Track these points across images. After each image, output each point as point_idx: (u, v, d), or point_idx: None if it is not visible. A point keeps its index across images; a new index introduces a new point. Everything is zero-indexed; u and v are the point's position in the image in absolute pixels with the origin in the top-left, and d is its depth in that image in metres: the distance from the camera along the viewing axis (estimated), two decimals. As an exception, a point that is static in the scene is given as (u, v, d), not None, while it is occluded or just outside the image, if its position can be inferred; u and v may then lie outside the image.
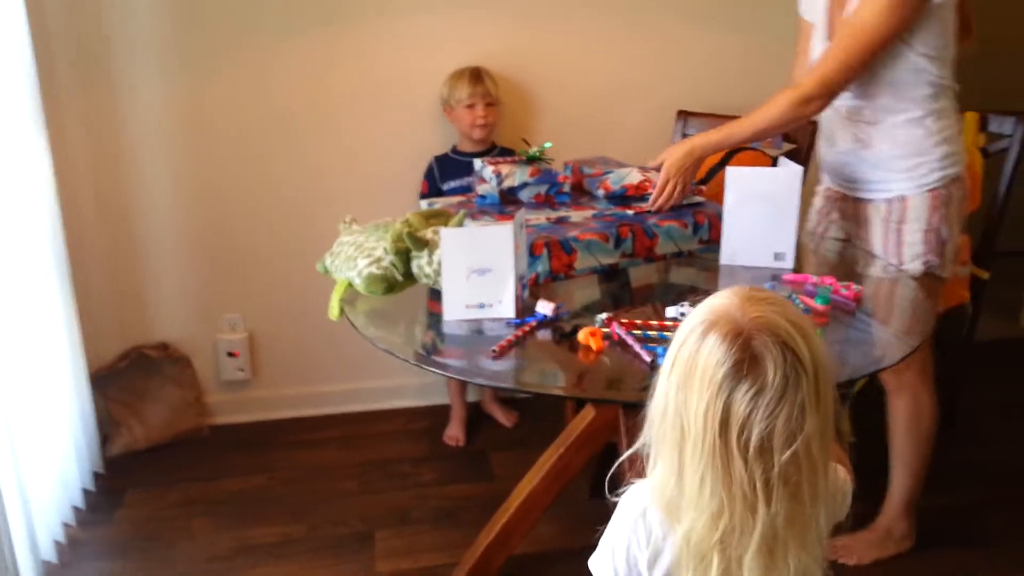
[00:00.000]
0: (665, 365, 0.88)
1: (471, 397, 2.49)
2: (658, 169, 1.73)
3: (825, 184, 1.94)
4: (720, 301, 0.87)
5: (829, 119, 1.82)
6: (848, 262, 1.79)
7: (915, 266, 1.74)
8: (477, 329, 1.41)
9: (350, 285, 1.54)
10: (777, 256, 1.62)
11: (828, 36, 1.74)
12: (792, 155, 2.20)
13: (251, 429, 2.47)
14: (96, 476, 2.22)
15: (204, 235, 2.36)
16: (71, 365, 2.12)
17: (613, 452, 1.65)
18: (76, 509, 2.09)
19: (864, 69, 1.62)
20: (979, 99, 2.09)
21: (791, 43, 2.45)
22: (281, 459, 2.32)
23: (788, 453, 0.81)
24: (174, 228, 2.34)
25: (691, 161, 1.69)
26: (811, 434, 0.82)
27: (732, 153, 2.11)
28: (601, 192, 1.80)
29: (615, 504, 0.97)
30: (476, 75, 2.26)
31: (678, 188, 1.70)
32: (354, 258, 1.54)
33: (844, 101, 1.73)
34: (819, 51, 1.74)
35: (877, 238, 1.77)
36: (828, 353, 0.85)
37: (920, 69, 1.64)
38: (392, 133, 2.37)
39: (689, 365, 0.84)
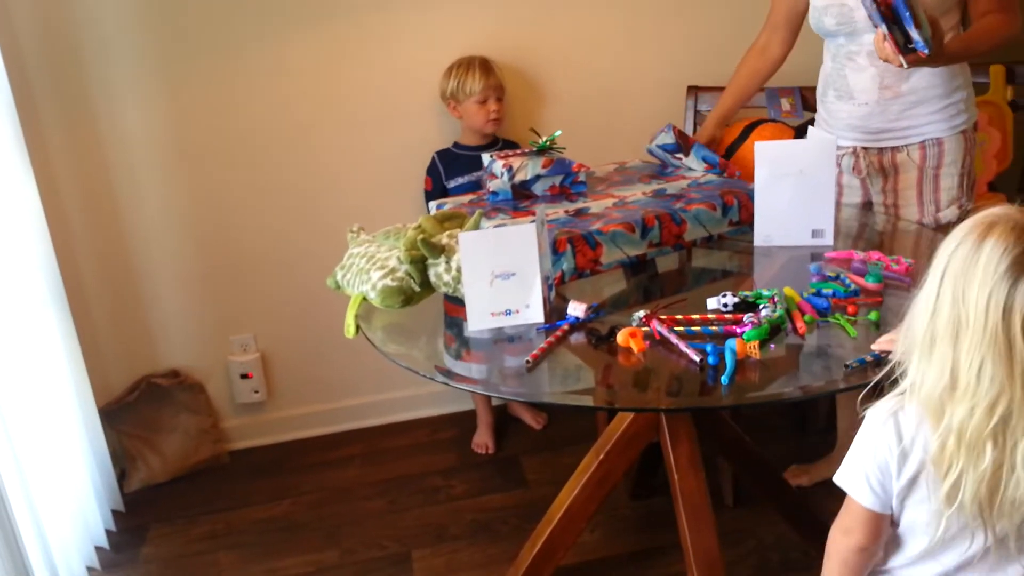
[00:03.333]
0: (934, 270, 0.90)
1: (496, 401, 2.40)
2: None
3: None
4: (995, 210, 0.89)
5: (839, 73, 1.73)
6: (876, 230, 1.72)
7: (951, 212, 1.71)
8: (505, 336, 1.31)
9: (364, 299, 1.45)
10: (815, 233, 1.52)
11: None
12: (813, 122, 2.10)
13: (271, 452, 2.39)
14: (116, 515, 2.14)
15: (205, 255, 2.27)
16: (78, 402, 2.04)
17: (654, 451, 1.57)
18: (99, 550, 2.00)
19: None
20: (1004, 50, 1.98)
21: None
22: (304, 482, 2.24)
23: None
24: (173, 250, 2.25)
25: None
26: None
27: (751, 127, 2.01)
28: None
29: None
30: (486, 67, 2.14)
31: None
32: (366, 270, 1.44)
33: (872, 45, 1.62)
34: None
35: (911, 186, 1.71)
36: None
37: (951, 4, 1.59)
38: (396, 131, 2.26)
39: (968, 261, 0.87)
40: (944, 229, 1.70)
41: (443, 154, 2.23)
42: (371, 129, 2.25)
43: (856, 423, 2.03)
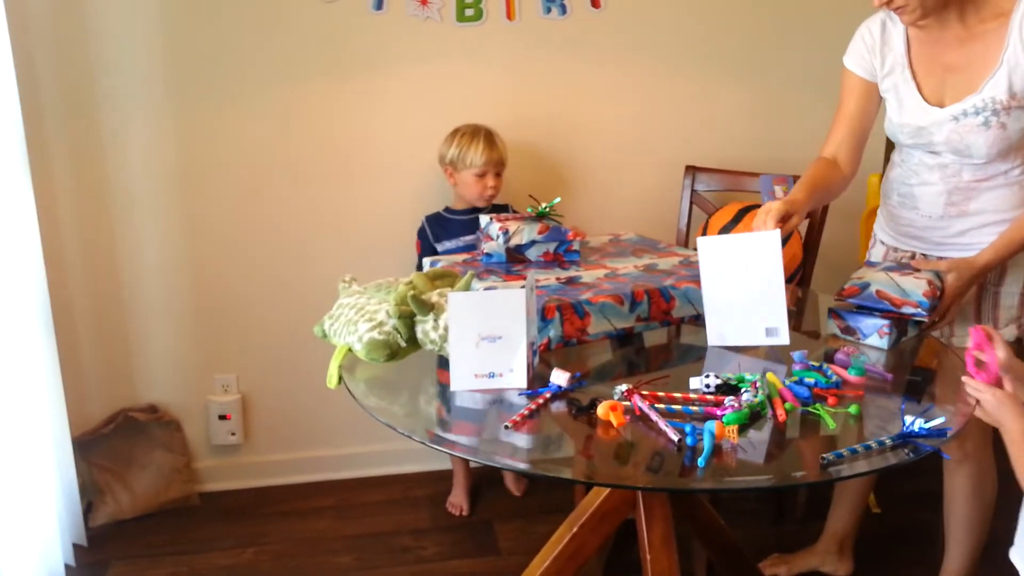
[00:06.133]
0: None
1: (475, 463, 2.38)
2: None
3: (893, 244, 1.76)
4: None
5: (906, 182, 1.68)
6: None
7: (1010, 331, 1.65)
8: (487, 400, 1.31)
9: (350, 351, 1.45)
10: (769, 332, 1.42)
11: (920, 89, 1.59)
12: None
13: (241, 496, 2.35)
14: (77, 549, 2.09)
15: (197, 292, 2.27)
16: (53, 430, 2.01)
17: (630, 528, 1.55)
18: (54, 586, 1.95)
19: None
20: None
21: (799, 94, 2.42)
22: (272, 531, 2.19)
23: None
24: (165, 284, 2.25)
25: (973, 285, 1.56)
26: None
27: (744, 212, 2.04)
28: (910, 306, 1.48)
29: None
30: (490, 140, 2.12)
31: (954, 309, 1.57)
32: (355, 322, 1.45)
33: (948, 166, 1.61)
34: (912, 110, 1.60)
35: (968, 301, 1.64)
36: None
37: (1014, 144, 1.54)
38: (396, 188, 2.30)
39: None
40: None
41: (433, 219, 2.21)
42: (373, 182, 2.29)
43: (852, 524, 1.98)
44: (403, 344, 1.41)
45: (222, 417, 2.33)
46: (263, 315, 2.31)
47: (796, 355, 1.38)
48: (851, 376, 1.31)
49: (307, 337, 1.68)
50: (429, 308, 1.40)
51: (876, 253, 1.81)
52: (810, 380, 1.29)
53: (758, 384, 1.26)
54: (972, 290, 1.63)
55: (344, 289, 1.58)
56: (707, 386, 1.28)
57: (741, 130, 2.43)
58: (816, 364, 1.35)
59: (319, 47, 2.18)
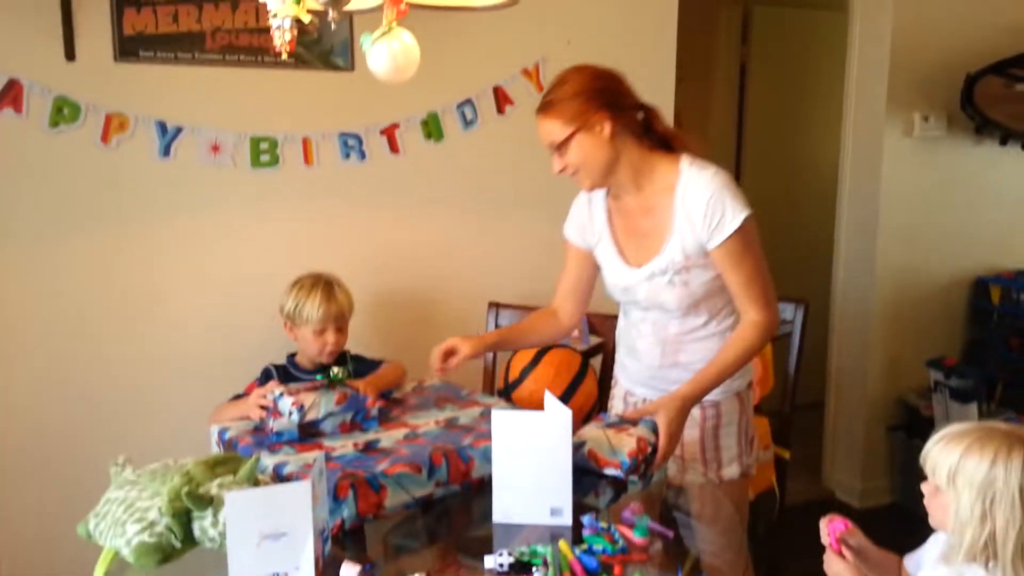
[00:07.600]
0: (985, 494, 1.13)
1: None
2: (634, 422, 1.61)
3: (628, 388, 1.88)
4: (996, 427, 1.18)
5: (628, 333, 1.82)
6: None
7: (732, 469, 1.76)
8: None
9: (118, 554, 1.31)
10: (554, 512, 1.42)
11: (621, 254, 1.74)
12: (601, 348, 2.25)
13: None
14: None
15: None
16: None
17: None
18: None
19: None
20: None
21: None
22: None
23: None
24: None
25: (686, 415, 1.62)
26: None
27: (542, 353, 2.11)
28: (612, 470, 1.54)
29: None
30: (329, 292, 1.98)
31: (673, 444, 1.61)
32: (123, 522, 1.32)
33: (657, 321, 1.73)
34: (617, 272, 1.74)
35: (694, 442, 1.76)
36: None
37: (711, 289, 1.69)
38: (181, 348, 2.16)
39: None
40: (727, 485, 1.75)
41: (280, 371, 2.00)
42: (157, 341, 2.15)
43: None
44: (178, 545, 1.30)
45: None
46: (25, 498, 2.05)
47: (585, 519, 1.41)
48: (635, 538, 1.35)
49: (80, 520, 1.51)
50: (208, 502, 1.30)
51: (617, 393, 1.92)
52: (599, 547, 1.32)
53: (548, 559, 1.27)
54: (696, 433, 1.75)
55: (116, 475, 1.44)
56: (500, 565, 1.27)
57: (542, 265, 2.54)
58: (604, 526, 1.39)
59: (100, 194, 2.07)
